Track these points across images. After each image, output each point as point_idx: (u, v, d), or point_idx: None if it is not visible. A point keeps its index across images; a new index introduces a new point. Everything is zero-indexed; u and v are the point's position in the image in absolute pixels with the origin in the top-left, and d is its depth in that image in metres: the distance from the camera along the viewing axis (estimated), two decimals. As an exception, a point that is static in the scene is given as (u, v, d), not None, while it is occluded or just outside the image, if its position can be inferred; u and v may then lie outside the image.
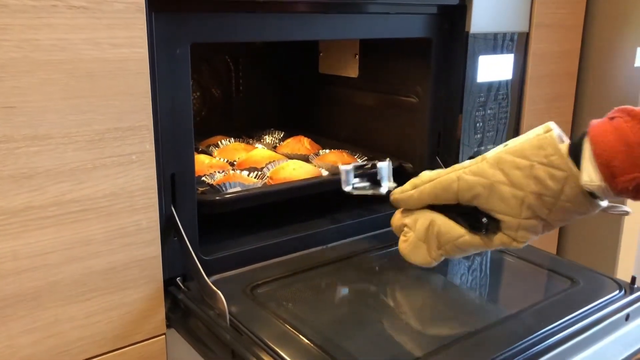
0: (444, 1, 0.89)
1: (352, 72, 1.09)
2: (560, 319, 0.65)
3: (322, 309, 0.71)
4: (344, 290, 0.77)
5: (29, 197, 0.57)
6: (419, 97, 0.97)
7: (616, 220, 1.15)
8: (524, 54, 1.02)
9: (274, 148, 1.09)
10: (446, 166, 0.96)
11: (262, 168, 0.93)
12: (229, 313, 0.64)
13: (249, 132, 1.17)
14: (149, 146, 0.64)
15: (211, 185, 0.85)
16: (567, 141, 0.59)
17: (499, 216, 0.61)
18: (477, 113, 0.97)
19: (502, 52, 0.98)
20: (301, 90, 1.25)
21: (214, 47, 1.17)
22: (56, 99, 0.57)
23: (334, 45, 1.13)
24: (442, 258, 0.68)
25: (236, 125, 1.22)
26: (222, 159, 0.99)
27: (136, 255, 0.65)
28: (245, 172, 0.91)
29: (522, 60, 1.02)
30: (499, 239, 0.62)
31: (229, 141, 1.10)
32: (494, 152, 0.63)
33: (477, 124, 0.98)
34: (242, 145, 1.08)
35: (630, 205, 1.13)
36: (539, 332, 0.63)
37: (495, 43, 0.96)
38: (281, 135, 1.16)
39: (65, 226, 0.60)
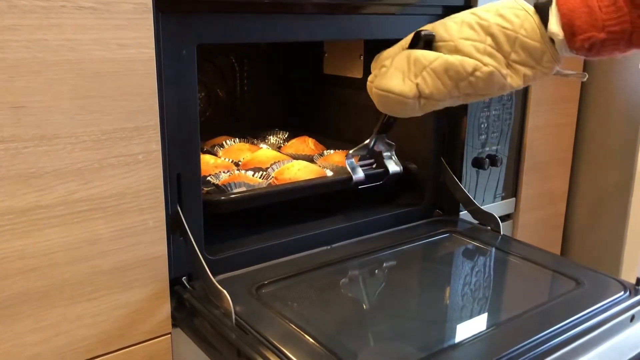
0: (448, 2, 0.89)
1: (357, 72, 1.09)
2: (565, 320, 0.65)
3: (327, 309, 0.71)
4: (349, 290, 0.77)
5: (36, 196, 0.58)
6: (423, 97, 0.96)
7: (621, 220, 1.15)
8: (528, 55, 1.01)
9: (279, 148, 1.09)
10: (451, 168, 0.96)
11: (267, 168, 0.94)
12: (235, 312, 0.64)
13: (253, 133, 1.18)
14: (156, 146, 0.64)
15: (216, 185, 0.86)
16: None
17: (466, 42, 0.66)
18: (481, 114, 0.97)
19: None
20: (306, 91, 1.25)
21: (219, 47, 1.17)
22: (64, 99, 0.57)
23: (338, 46, 1.13)
24: (417, 92, 0.66)
25: (241, 126, 1.22)
26: (227, 159, 0.99)
27: (143, 254, 0.66)
28: (250, 172, 0.91)
29: (526, 61, 1.01)
30: (471, 61, 0.65)
31: (234, 141, 1.10)
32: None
33: (482, 125, 0.98)
34: (247, 145, 1.08)
35: (634, 206, 1.13)
36: (544, 333, 0.63)
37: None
38: (285, 136, 1.17)
39: (73, 225, 0.60)
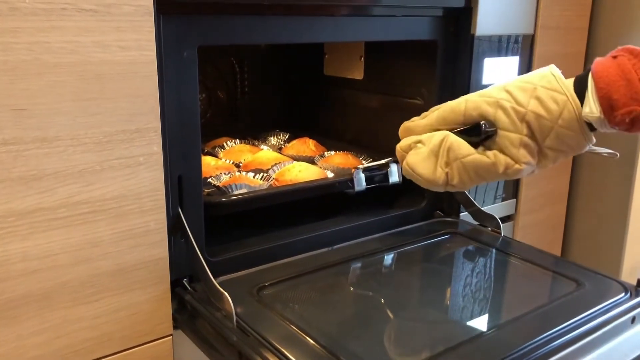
0: (449, 3, 0.89)
1: (358, 74, 1.09)
2: (566, 322, 0.65)
3: (328, 310, 0.71)
4: (350, 292, 0.77)
5: (38, 198, 0.58)
6: (424, 99, 0.97)
7: (621, 221, 1.15)
8: (529, 56, 1.02)
9: (279, 149, 1.09)
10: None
11: (268, 170, 0.94)
12: (236, 314, 0.64)
13: (254, 134, 1.18)
14: (157, 148, 0.65)
15: (217, 187, 0.86)
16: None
17: (502, 132, 0.62)
18: (482, 115, 0.97)
19: (507, 55, 0.98)
20: (306, 92, 1.25)
21: (220, 48, 1.18)
22: (65, 101, 0.57)
23: (339, 47, 1.13)
24: (445, 180, 0.65)
25: (241, 127, 1.23)
26: (227, 161, 0.99)
27: (144, 256, 0.66)
28: (251, 174, 0.91)
29: (527, 62, 1.02)
30: (503, 159, 0.62)
31: (235, 142, 1.10)
32: (499, 81, 0.66)
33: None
34: (248, 146, 1.08)
35: (634, 208, 1.13)
36: (545, 335, 0.63)
37: (501, 45, 0.96)
38: (286, 137, 1.17)
39: (74, 227, 0.60)
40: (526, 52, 1.01)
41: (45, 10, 0.55)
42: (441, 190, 0.67)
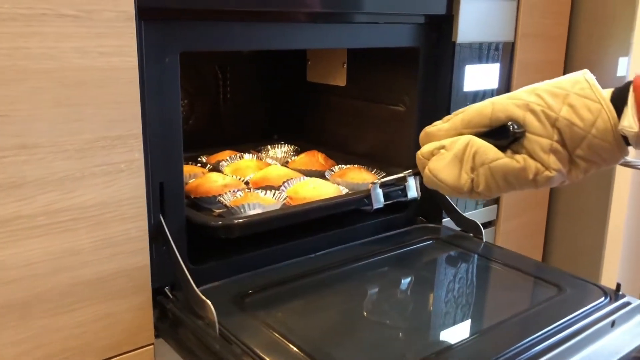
0: (431, 11, 0.90)
1: (340, 80, 1.09)
2: (548, 327, 0.66)
3: (311, 318, 0.71)
4: (333, 298, 0.77)
5: (17, 206, 0.57)
6: (406, 106, 0.97)
7: (601, 226, 1.17)
8: (509, 63, 1.03)
9: (286, 163, 1.06)
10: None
11: (279, 187, 0.90)
12: (218, 322, 0.64)
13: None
14: (138, 155, 0.64)
15: (228, 207, 0.83)
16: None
17: (531, 136, 0.58)
18: (463, 122, 0.98)
19: (488, 62, 0.99)
20: (289, 99, 1.25)
21: (202, 54, 1.17)
22: (45, 108, 0.57)
23: (322, 54, 1.14)
24: (470, 186, 0.60)
25: (224, 133, 1.22)
26: (235, 177, 0.95)
27: (125, 264, 0.65)
28: (262, 192, 0.88)
29: (507, 69, 1.03)
30: (532, 165, 0.58)
31: (239, 157, 1.06)
32: (528, 86, 0.62)
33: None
34: (254, 161, 1.03)
35: (613, 213, 1.15)
36: (527, 340, 0.63)
37: (481, 52, 0.97)
38: (291, 149, 1.13)
39: (54, 236, 0.60)
40: (506, 59, 1.02)
41: (25, 15, 0.54)
42: (465, 197, 0.63)
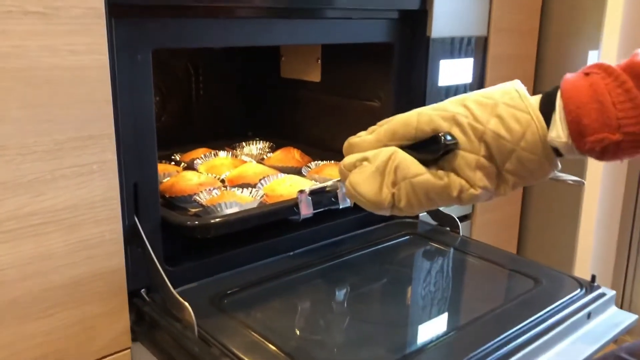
0: (405, 6, 0.90)
1: (315, 76, 1.09)
2: (525, 320, 0.67)
3: (290, 317, 0.71)
4: (312, 297, 0.77)
5: (-16, 211, 0.55)
6: (381, 101, 0.97)
7: (574, 218, 1.19)
8: (482, 57, 1.04)
9: (261, 160, 1.05)
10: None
11: (255, 184, 0.89)
12: (197, 324, 0.63)
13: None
14: (111, 155, 0.63)
15: (203, 206, 0.81)
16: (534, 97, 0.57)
17: (457, 151, 0.55)
18: (438, 116, 0.98)
19: (461, 56, 0.99)
20: (263, 95, 1.24)
21: (174, 51, 1.15)
22: (13, 108, 0.55)
23: (295, 50, 1.13)
24: (391, 201, 0.57)
25: (197, 131, 1.21)
26: (210, 175, 0.93)
27: (99, 268, 0.64)
28: (239, 190, 0.86)
29: (481, 64, 1.04)
30: (457, 182, 0.55)
31: (214, 154, 1.04)
32: (456, 96, 0.59)
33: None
34: (229, 159, 1.02)
35: (585, 206, 1.17)
36: (504, 335, 0.64)
37: (455, 47, 0.98)
38: (267, 145, 1.12)
39: (24, 240, 0.58)
40: (480, 53, 1.03)
41: (-11, 13, 0.52)
42: (386, 213, 0.59)
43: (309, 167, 0.99)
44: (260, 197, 0.85)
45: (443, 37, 0.94)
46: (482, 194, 0.55)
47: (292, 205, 0.78)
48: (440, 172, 0.56)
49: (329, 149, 1.08)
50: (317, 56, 1.07)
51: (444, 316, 0.73)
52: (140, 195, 0.69)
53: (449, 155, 0.55)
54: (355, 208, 0.78)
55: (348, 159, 0.60)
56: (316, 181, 0.91)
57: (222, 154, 1.05)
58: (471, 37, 1.00)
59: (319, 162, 1.00)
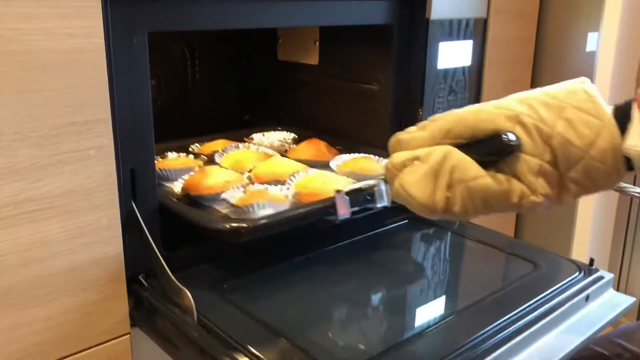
0: (404, -13, 0.89)
1: (313, 59, 1.08)
2: (524, 304, 0.67)
3: (290, 302, 0.71)
4: (312, 283, 0.77)
5: (-19, 197, 0.55)
6: (380, 84, 0.97)
7: (571, 202, 1.19)
8: (482, 40, 1.03)
9: (284, 152, 0.99)
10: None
11: (285, 181, 0.83)
12: (196, 310, 0.63)
13: (211, 122, 1.13)
14: (107, 140, 0.62)
15: (234, 206, 0.74)
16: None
17: (519, 154, 0.51)
18: (437, 99, 0.98)
19: (460, 39, 0.99)
20: (260, 78, 1.23)
21: (170, 34, 1.14)
22: (7, 93, 0.54)
23: (293, 32, 1.12)
24: (445, 205, 0.52)
25: (193, 114, 1.20)
26: (237, 171, 0.86)
27: (97, 254, 0.63)
28: (270, 187, 0.80)
29: (480, 46, 1.03)
30: (518, 187, 0.51)
31: (236, 147, 0.96)
32: (518, 94, 0.55)
33: (438, 111, 0.98)
34: (253, 152, 0.95)
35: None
36: (504, 319, 0.64)
37: (454, 29, 0.97)
38: (287, 137, 1.05)
39: (22, 227, 0.57)
40: (479, 35, 1.02)
41: (-18, -5, 0.51)
42: (438, 217, 0.55)
43: (338, 161, 0.92)
44: (293, 196, 0.78)
45: (442, 18, 0.93)
46: (543, 202, 0.52)
47: (329, 206, 0.71)
48: (500, 176, 0.51)
49: (328, 132, 1.07)
50: (315, 38, 1.06)
51: (443, 300, 0.73)
52: (137, 181, 0.68)
53: (510, 158, 0.51)
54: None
55: (397, 157, 0.55)
56: (348, 177, 0.85)
57: (242, 146, 0.98)
58: (470, 19, 0.99)
59: (346, 156, 0.93)
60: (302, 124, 1.13)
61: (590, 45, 1.15)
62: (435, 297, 0.73)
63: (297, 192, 0.79)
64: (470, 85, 1.03)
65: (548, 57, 1.16)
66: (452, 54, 0.97)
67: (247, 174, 0.86)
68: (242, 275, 0.74)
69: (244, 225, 0.66)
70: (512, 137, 0.50)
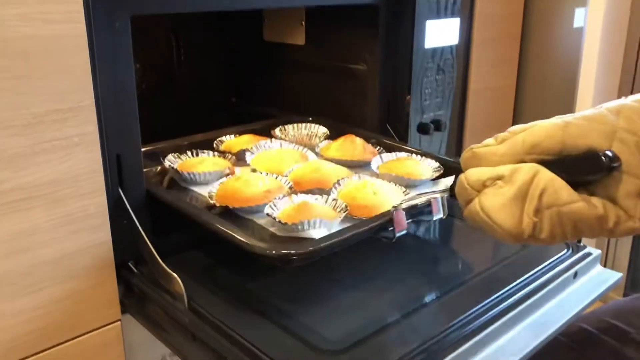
0: (390, -34, 0.88)
1: (299, 39, 1.07)
2: (514, 282, 0.68)
3: (282, 287, 0.71)
4: (304, 269, 0.77)
5: (-36, 188, 0.54)
6: (367, 64, 0.96)
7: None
8: (469, 17, 1.03)
9: (314, 149, 0.90)
10: (397, 135, 0.97)
11: (330, 189, 0.74)
12: (187, 295, 0.63)
13: (196, 105, 1.12)
14: (92, 127, 0.61)
15: (280, 222, 0.66)
16: None
17: (620, 176, 0.47)
18: (425, 79, 0.98)
19: (448, 16, 0.98)
20: (246, 59, 1.22)
21: (153, 17, 1.12)
22: (-13, 81, 0.53)
23: (279, 12, 1.11)
24: (532, 232, 0.47)
25: (179, 98, 1.19)
26: (274, 176, 0.77)
27: (85, 242, 0.63)
28: (314, 198, 0.71)
29: (467, 24, 1.03)
30: (613, 212, 0.46)
31: (266, 146, 0.86)
32: (611, 103, 0.50)
33: (426, 90, 0.98)
34: (288, 151, 0.86)
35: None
36: (494, 297, 0.65)
37: (442, 7, 0.96)
38: (317, 131, 0.95)
39: (8, 216, 0.57)
40: (466, 12, 1.02)
41: (-42, -19, 0.50)
42: (519, 243, 0.51)
43: (378, 161, 0.84)
44: (344, 211, 0.68)
45: (429, -4, 0.93)
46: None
47: (386, 222, 0.65)
48: (595, 200, 0.47)
49: (315, 114, 1.07)
50: (302, 19, 1.05)
51: (431, 280, 0.73)
52: (124, 167, 0.68)
53: (606, 179, 0.46)
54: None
55: (475, 175, 0.50)
56: (394, 182, 0.76)
57: (275, 144, 0.88)
58: (457, -4, 0.99)
59: (386, 154, 0.85)
60: (288, 106, 1.12)
61: (578, 21, 1.15)
62: (422, 277, 0.73)
63: (347, 204, 0.69)
64: (458, 64, 1.03)
65: (536, 34, 1.16)
66: (440, 33, 0.97)
67: (285, 180, 0.76)
68: (233, 260, 0.74)
69: (300, 251, 0.59)
70: (611, 156, 0.45)
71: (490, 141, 0.52)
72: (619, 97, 0.51)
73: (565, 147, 0.48)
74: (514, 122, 1.24)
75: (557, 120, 0.49)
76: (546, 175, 0.47)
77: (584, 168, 0.47)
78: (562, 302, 0.70)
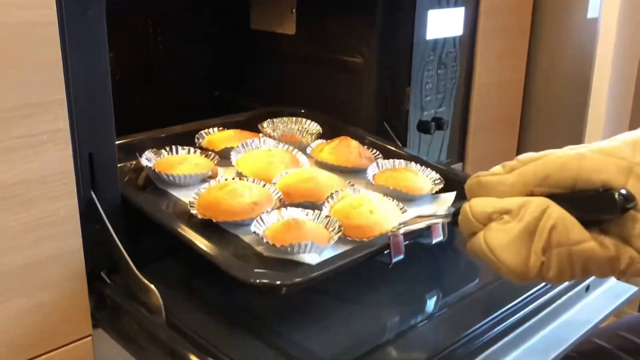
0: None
1: (289, 28, 1.07)
2: (522, 295, 0.69)
3: (269, 299, 0.71)
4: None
5: None
6: (363, 57, 0.97)
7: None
8: (475, 7, 1.04)
9: (306, 151, 0.89)
10: (395, 134, 0.98)
11: (322, 203, 0.73)
12: (164, 308, 0.64)
13: (177, 99, 1.12)
14: (63, 123, 0.62)
15: (267, 242, 0.66)
16: None
17: (635, 215, 0.47)
18: (425, 73, 0.99)
19: (451, 6, 0.99)
20: (231, 49, 1.23)
21: (130, 3, 1.13)
22: (-51, 73, 0.54)
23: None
24: (539, 272, 0.48)
25: (158, 89, 1.19)
26: (261, 184, 0.76)
27: (54, 248, 0.63)
28: (305, 214, 0.71)
29: (473, 14, 1.04)
30: (626, 253, 0.47)
31: (251, 144, 0.86)
32: (627, 135, 0.50)
33: (427, 85, 0.99)
34: (276, 154, 0.84)
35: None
36: (502, 311, 0.66)
37: (445, -5, 0.97)
38: (310, 127, 0.95)
39: (-31, 221, 0.57)
40: (471, 2, 1.03)
41: None
42: (524, 282, 0.51)
43: (374, 169, 0.84)
44: (338, 233, 0.68)
45: (431, -16, 0.94)
46: None
47: (382, 248, 0.66)
48: (607, 240, 0.47)
49: (307, 106, 1.07)
50: (292, 6, 1.06)
51: (435, 293, 0.74)
52: (96, 167, 0.68)
53: (620, 218, 0.47)
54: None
55: (480, 207, 0.50)
56: (389, 195, 0.77)
57: (263, 144, 0.87)
58: (462, -16, 1.00)
59: (382, 160, 0.86)
60: (277, 102, 1.13)
61: (592, 11, 1.16)
62: (426, 291, 0.74)
63: (341, 223, 0.69)
64: (462, 57, 1.04)
65: (546, 25, 1.17)
66: (442, 23, 0.98)
67: (273, 189, 0.76)
68: (214, 269, 0.75)
69: (292, 282, 0.60)
70: (626, 195, 0.45)
71: (497, 169, 0.52)
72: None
73: (578, 182, 0.48)
74: (522, 120, 1.26)
75: (570, 151, 0.49)
76: (557, 212, 0.47)
77: (597, 207, 0.47)
78: (574, 316, 0.71)
